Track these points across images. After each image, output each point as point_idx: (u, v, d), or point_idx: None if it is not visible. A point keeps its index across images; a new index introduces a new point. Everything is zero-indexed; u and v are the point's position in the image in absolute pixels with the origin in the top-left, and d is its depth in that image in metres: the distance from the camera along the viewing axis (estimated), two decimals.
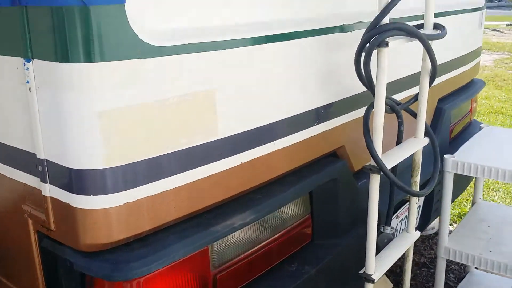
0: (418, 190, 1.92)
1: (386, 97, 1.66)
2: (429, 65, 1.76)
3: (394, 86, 2.13)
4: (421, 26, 1.77)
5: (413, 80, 2.21)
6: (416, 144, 1.85)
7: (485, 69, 9.58)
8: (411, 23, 1.92)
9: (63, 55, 1.09)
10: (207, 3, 1.28)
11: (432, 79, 1.79)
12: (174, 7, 1.21)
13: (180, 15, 1.23)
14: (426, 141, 1.88)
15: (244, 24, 1.40)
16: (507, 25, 19.00)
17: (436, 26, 1.74)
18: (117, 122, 1.14)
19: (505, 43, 13.50)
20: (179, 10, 1.22)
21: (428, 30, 1.72)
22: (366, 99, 1.78)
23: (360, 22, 1.81)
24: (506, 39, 14.41)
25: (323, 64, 1.71)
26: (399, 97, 2.19)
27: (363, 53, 1.58)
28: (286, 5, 1.52)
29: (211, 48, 1.30)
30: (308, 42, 1.62)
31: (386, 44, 1.49)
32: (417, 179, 1.92)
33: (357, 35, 1.69)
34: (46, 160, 1.22)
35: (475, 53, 3.11)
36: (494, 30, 17.17)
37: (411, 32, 1.52)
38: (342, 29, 1.75)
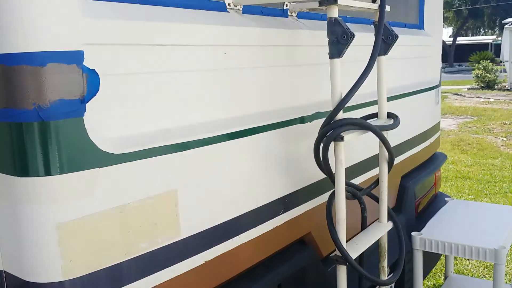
0: (386, 275, 1.93)
1: (347, 184, 1.70)
2: (386, 152, 1.84)
3: (361, 167, 2.19)
4: (376, 114, 1.87)
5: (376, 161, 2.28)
6: (380, 229, 1.88)
7: (449, 133, 9.92)
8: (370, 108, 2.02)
9: (22, 169, 1.10)
10: (164, 109, 1.33)
11: (390, 166, 1.85)
12: (132, 115, 1.25)
13: (138, 122, 1.26)
14: (390, 225, 1.91)
15: (203, 124, 1.44)
16: (468, 89, 19.99)
17: (390, 115, 1.84)
18: (76, 233, 1.14)
19: (467, 107, 14.11)
20: (137, 117, 1.26)
21: (382, 120, 1.81)
22: (330, 184, 1.82)
23: (318, 112, 1.89)
24: (468, 103, 15.08)
25: (285, 155, 1.76)
26: (365, 177, 2.24)
27: (321, 145, 1.65)
28: (244, 102, 1.58)
29: (171, 151, 1.33)
30: (269, 136, 1.67)
31: (342, 138, 1.56)
32: (385, 263, 1.93)
33: (317, 124, 1.76)
34: (4, 271, 1.19)
35: (434, 129, 3.25)
36: (456, 94, 17.99)
37: (364, 126, 1.60)
38: (302, 120, 1.83)
